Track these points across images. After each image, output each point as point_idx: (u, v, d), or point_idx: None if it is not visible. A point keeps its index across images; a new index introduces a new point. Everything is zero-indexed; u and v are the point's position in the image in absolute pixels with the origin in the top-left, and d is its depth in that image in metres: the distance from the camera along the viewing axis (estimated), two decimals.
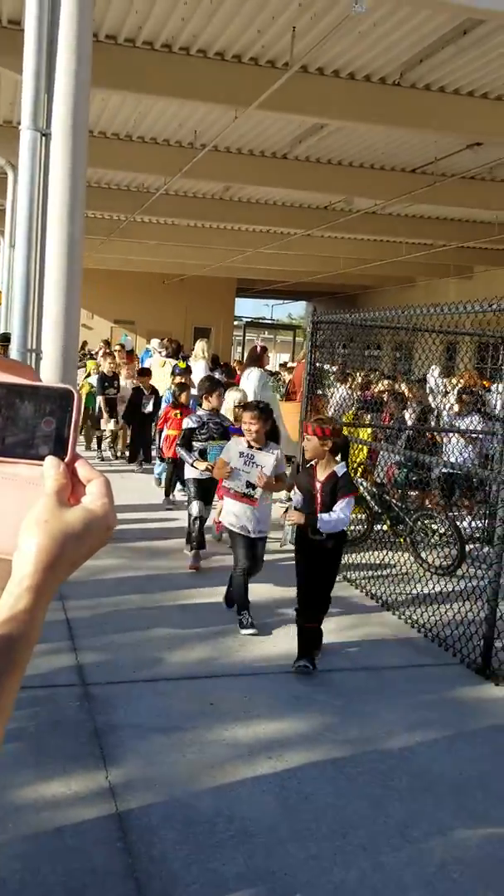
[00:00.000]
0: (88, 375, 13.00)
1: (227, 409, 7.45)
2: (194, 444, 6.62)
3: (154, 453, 10.68)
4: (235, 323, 31.53)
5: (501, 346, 5.30)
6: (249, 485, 5.16)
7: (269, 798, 3.40)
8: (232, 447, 5.43)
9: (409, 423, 8.69)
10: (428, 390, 9.74)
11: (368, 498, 7.74)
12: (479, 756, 3.85)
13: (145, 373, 11.62)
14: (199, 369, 10.65)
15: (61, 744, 3.68)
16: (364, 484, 7.90)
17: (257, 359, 10.85)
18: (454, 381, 11.45)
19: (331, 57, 7.91)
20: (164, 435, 8.79)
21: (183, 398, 8.67)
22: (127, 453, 11.79)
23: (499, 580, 4.78)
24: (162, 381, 11.49)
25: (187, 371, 10.82)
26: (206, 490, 6.69)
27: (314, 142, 11.01)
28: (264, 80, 7.79)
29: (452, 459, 7.14)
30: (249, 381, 10.70)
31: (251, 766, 3.64)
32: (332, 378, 10.86)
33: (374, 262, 20.50)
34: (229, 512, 5.36)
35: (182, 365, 11.01)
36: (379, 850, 3.10)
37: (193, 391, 9.64)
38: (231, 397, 7.84)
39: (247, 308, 50.39)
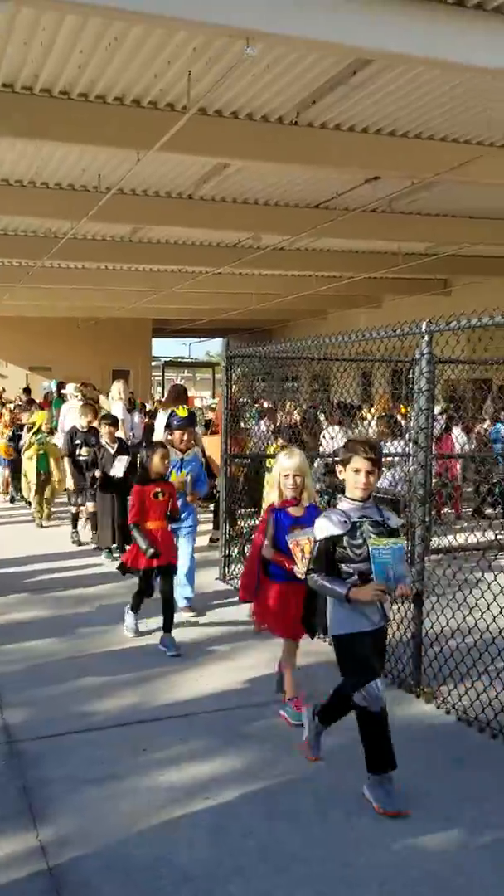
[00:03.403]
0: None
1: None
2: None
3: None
4: (154, 363, 31.49)
5: (409, 371, 5.45)
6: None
7: (208, 838, 3.34)
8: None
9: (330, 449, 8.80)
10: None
11: None
12: (415, 773, 3.87)
13: (112, 421, 8.73)
14: (116, 410, 10.56)
15: None
16: None
17: (183, 396, 10.85)
18: (374, 409, 11.71)
19: (228, 99, 8.09)
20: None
21: (157, 463, 5.72)
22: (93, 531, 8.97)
23: (421, 598, 4.86)
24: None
25: (111, 419, 8.78)
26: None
27: (218, 181, 11.20)
28: (165, 123, 7.89)
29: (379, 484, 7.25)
30: None
31: (188, 808, 3.57)
32: (253, 411, 10.95)
33: (286, 296, 20.87)
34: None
35: (182, 413, 6.54)
36: (322, 880, 3.08)
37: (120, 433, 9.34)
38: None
39: (165, 348, 50.57)
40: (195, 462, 6.51)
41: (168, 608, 5.62)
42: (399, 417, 10.58)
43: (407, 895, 2.99)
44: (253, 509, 8.64)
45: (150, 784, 3.77)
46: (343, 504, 3.75)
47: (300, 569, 4.20)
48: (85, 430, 9.14)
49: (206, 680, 5.04)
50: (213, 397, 22.78)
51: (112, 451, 8.40)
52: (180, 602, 6.26)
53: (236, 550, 7.62)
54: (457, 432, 11.64)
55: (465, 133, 9.15)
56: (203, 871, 3.11)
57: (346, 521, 3.64)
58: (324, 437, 9.12)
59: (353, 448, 3.72)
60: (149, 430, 10.96)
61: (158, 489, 5.69)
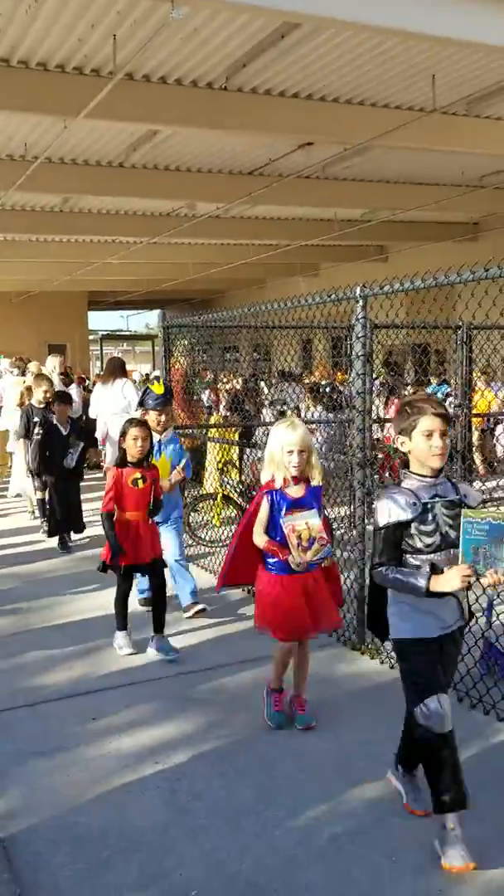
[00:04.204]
0: None
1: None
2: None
3: None
4: (91, 337, 31.00)
5: (346, 338, 5.50)
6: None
7: (158, 803, 3.38)
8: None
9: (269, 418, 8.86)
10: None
11: (236, 496, 7.85)
12: (360, 727, 3.98)
13: (65, 398, 8.02)
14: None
15: None
16: (231, 482, 8.00)
17: (123, 369, 10.74)
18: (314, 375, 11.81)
19: (155, 64, 7.93)
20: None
21: (134, 445, 4.94)
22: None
23: (363, 559, 4.96)
24: (13, 401, 11.08)
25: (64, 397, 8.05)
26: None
27: (149, 148, 11.01)
28: (90, 89, 7.70)
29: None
30: (128, 392, 10.56)
31: (138, 774, 3.61)
32: (201, 382, 10.91)
33: (224, 265, 20.73)
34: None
35: (157, 389, 5.71)
36: (271, 834, 3.15)
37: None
38: None
39: (102, 321, 49.81)
40: (175, 443, 5.76)
41: (158, 606, 4.98)
42: (337, 384, 10.70)
43: (360, 841, 3.08)
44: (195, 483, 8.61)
45: (99, 753, 3.79)
46: (409, 481, 3.04)
47: (296, 558, 3.76)
48: (42, 405, 8.25)
49: (153, 649, 5.06)
50: (155, 370, 22.59)
51: (64, 433, 7.64)
52: (183, 601, 5.63)
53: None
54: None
55: (397, 98, 9.16)
56: (154, 835, 3.16)
57: (415, 504, 2.97)
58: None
59: (418, 408, 3.02)
60: (86, 404, 10.83)
61: (139, 474, 4.91)
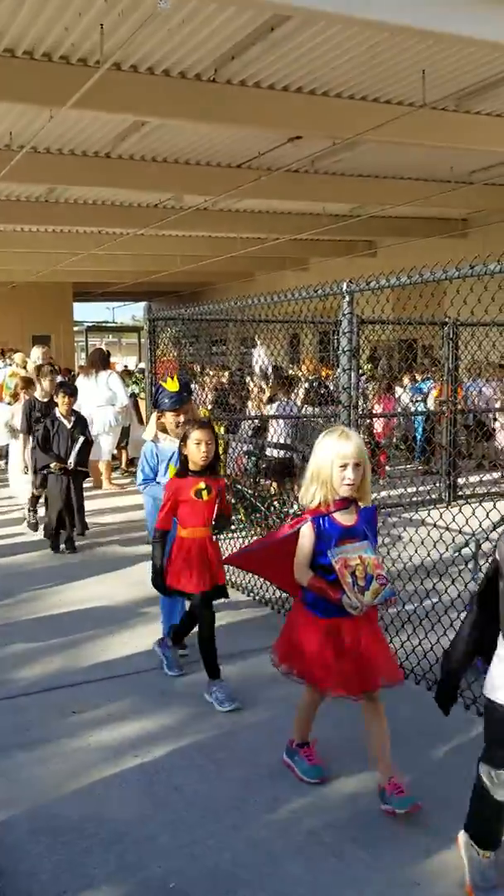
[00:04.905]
0: None
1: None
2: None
3: None
4: (77, 328, 30.84)
5: (333, 333, 5.51)
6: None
7: (137, 795, 3.39)
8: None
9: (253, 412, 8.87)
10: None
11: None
12: (342, 722, 3.98)
13: (70, 390, 7.56)
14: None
15: None
16: None
17: (106, 360, 10.71)
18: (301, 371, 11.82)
19: (143, 54, 7.89)
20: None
21: (196, 450, 4.19)
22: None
23: None
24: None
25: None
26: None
27: (136, 139, 10.96)
28: (77, 79, 7.65)
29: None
30: (113, 384, 10.51)
31: (118, 767, 3.61)
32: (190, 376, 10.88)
33: (211, 258, 20.67)
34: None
35: (171, 386, 4.87)
36: (250, 827, 3.16)
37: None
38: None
39: (88, 312, 49.52)
40: None
41: (209, 645, 4.24)
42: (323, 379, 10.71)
43: (337, 834, 3.10)
44: None
45: (79, 746, 3.79)
46: None
47: (352, 601, 3.11)
48: (46, 400, 7.79)
49: (135, 642, 5.06)
50: (140, 362, 22.51)
51: (68, 427, 7.25)
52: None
53: None
54: (400, 391, 11.91)
55: (387, 93, 9.17)
56: (132, 827, 3.16)
57: None
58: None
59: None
60: None
61: (203, 484, 4.18)
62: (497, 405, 10.98)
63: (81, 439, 7.29)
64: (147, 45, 7.62)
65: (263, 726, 3.96)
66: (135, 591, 6.09)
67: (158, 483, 4.79)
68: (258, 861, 2.96)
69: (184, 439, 4.22)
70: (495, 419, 10.97)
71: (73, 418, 7.34)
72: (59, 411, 7.37)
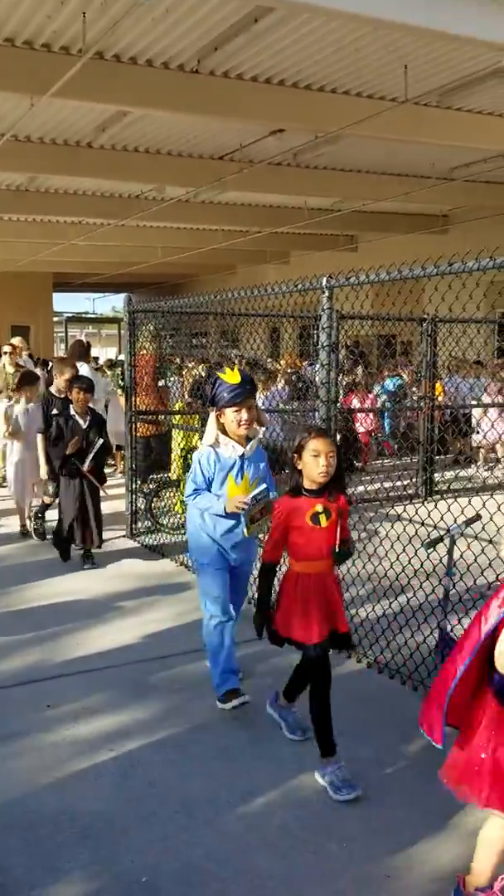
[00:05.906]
0: None
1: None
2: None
3: None
4: (56, 319, 30.63)
5: (314, 328, 5.51)
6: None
7: (112, 790, 3.39)
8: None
9: None
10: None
11: None
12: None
13: (86, 385, 6.69)
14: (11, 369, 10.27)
15: None
16: None
17: (87, 353, 10.64)
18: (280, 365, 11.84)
19: (126, 44, 7.83)
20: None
21: (314, 464, 3.43)
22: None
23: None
24: None
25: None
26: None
27: (118, 129, 10.88)
28: (59, 67, 7.57)
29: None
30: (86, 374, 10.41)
31: (93, 761, 3.60)
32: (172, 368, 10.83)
33: (192, 250, 20.61)
34: None
35: (232, 378, 3.96)
36: (223, 822, 3.17)
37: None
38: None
39: (68, 303, 49.22)
40: (262, 458, 4.11)
41: (323, 717, 3.41)
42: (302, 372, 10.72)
43: (309, 826, 3.12)
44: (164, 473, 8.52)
45: (54, 740, 3.78)
46: None
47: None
48: (62, 395, 7.06)
49: (112, 636, 5.06)
50: (120, 353, 22.40)
51: (84, 425, 6.56)
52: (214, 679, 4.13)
53: (142, 506, 7.60)
54: (378, 389, 11.96)
55: (369, 88, 9.17)
56: (106, 821, 3.16)
57: None
58: None
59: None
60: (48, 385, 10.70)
61: (320, 507, 3.43)
62: (473, 402, 11.05)
63: (100, 442, 6.55)
64: (130, 35, 7.57)
65: (238, 722, 3.97)
66: (112, 585, 6.08)
67: (218, 496, 3.91)
68: (231, 855, 2.97)
69: (298, 451, 3.45)
70: (471, 415, 11.05)
71: (88, 417, 6.62)
72: (74, 409, 6.64)
